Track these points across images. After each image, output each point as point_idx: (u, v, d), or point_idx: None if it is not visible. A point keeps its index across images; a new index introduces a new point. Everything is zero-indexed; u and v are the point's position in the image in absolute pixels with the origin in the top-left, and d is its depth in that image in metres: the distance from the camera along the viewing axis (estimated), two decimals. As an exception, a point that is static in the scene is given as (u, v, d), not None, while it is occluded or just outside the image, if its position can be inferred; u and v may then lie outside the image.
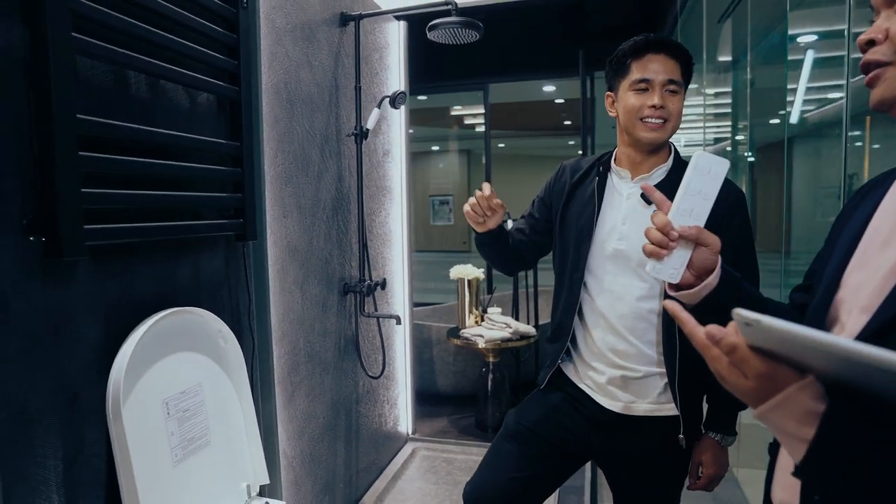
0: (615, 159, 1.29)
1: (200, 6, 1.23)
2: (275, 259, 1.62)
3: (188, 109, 1.27)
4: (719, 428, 1.21)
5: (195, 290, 1.30)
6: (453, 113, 8.07)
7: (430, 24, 1.88)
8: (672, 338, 1.17)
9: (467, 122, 8.46)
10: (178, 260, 1.25)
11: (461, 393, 3.11)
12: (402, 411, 2.64)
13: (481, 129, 5.72)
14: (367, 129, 2.04)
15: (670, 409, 1.21)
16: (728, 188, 1.18)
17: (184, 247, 1.27)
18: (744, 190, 2.80)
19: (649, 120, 1.17)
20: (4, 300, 0.90)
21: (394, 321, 2.35)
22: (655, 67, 1.16)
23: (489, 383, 2.72)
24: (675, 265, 0.77)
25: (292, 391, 1.71)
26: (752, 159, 2.97)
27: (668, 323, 1.17)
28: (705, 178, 0.76)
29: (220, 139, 1.34)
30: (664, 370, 1.21)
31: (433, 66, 5.29)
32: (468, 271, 2.77)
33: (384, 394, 2.43)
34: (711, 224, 1.14)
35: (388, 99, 2.04)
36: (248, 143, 1.36)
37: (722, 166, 0.76)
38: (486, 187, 1.22)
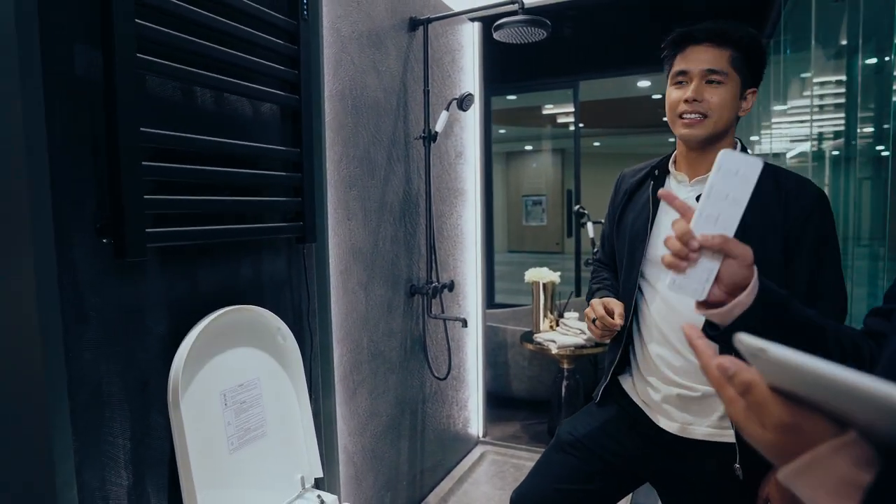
0: (674, 162, 1.21)
1: (262, 21, 1.30)
2: (338, 260, 1.68)
3: (252, 118, 1.35)
4: None
5: (258, 289, 1.38)
6: (545, 112, 7.92)
7: (495, 24, 1.86)
8: (727, 354, 1.07)
9: (560, 120, 8.28)
10: (242, 261, 1.34)
11: (536, 398, 3.05)
12: (472, 413, 2.63)
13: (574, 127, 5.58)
14: (436, 132, 2.06)
15: (732, 436, 1.11)
16: (802, 189, 1.06)
17: (247, 248, 1.35)
18: (871, 190, 2.48)
19: (686, 115, 1.08)
20: (81, 296, 1.01)
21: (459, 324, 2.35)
22: (695, 58, 1.07)
23: (563, 390, 2.64)
24: (700, 279, 0.68)
25: (354, 388, 1.77)
26: (886, 153, 2.64)
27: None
28: (732, 179, 0.66)
29: (282, 146, 1.41)
30: None
31: (521, 65, 5.24)
32: (543, 274, 2.71)
33: (453, 395, 2.44)
34: (780, 233, 1.03)
35: (455, 101, 2.04)
36: (307, 149, 1.43)
37: (753, 167, 0.66)
38: (618, 314, 1.15)
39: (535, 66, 5.36)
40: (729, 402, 0.44)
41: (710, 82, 1.07)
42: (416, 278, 2.12)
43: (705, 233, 0.67)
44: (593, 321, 1.18)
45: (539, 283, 2.71)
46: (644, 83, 5.97)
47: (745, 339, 0.40)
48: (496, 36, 1.89)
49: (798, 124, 3.45)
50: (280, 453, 1.35)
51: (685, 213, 0.71)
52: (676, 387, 1.14)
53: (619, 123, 8.39)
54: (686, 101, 1.08)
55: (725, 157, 0.67)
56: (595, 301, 1.21)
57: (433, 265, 2.14)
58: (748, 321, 0.69)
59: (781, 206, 1.04)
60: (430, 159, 2.09)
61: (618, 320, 1.15)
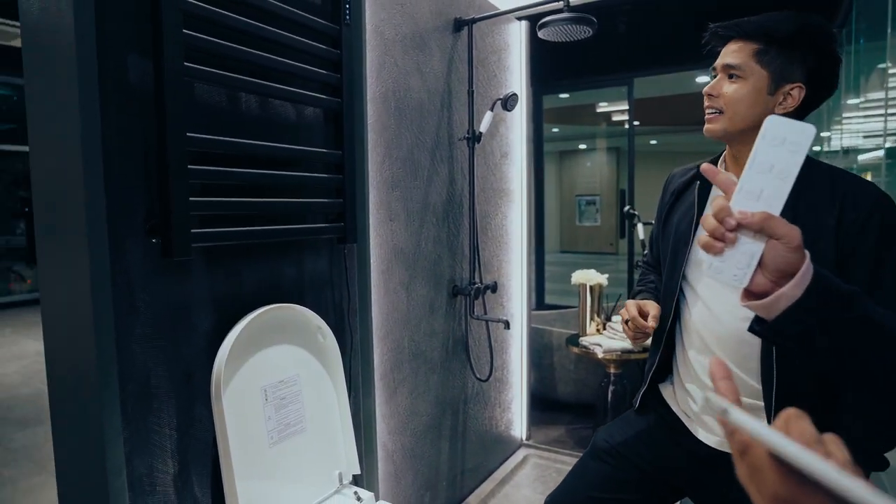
0: (724, 162, 1.16)
1: (305, 27, 1.33)
2: (380, 260, 1.70)
3: (295, 121, 1.38)
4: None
5: (299, 288, 1.42)
6: (599, 110, 7.76)
7: (539, 22, 1.83)
8: (769, 367, 1.01)
9: (615, 118, 8.08)
10: (284, 260, 1.38)
11: (582, 402, 2.99)
12: (515, 416, 2.61)
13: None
14: (480, 133, 2.05)
15: None
16: (861, 189, 0.99)
17: (289, 248, 1.39)
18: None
19: (707, 111, 1.07)
20: (132, 292, 1.07)
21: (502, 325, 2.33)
22: (723, 53, 1.05)
23: (609, 395, 2.58)
24: (741, 264, 0.60)
25: (395, 387, 1.79)
26: None
27: (767, 349, 1.02)
28: (778, 150, 0.57)
29: (325, 148, 1.44)
30: None
31: (572, 63, 5.15)
32: (590, 276, 2.65)
33: (496, 396, 2.43)
34: (833, 238, 0.96)
35: (499, 101, 2.03)
36: (349, 151, 1.45)
37: (802, 134, 0.57)
38: (652, 316, 1.12)
39: (588, 64, 5.24)
40: (734, 458, 0.40)
41: (730, 77, 1.04)
42: (459, 279, 2.12)
43: (745, 210, 0.59)
44: (626, 322, 1.17)
45: (586, 285, 2.65)
46: (703, 79, 5.75)
47: (710, 397, 0.37)
48: (541, 34, 1.87)
49: (873, 119, 3.23)
50: (318, 449, 1.38)
51: (728, 189, 0.63)
52: None
53: (676, 121, 8.10)
54: (706, 95, 1.06)
55: (770, 124, 0.59)
56: (630, 302, 1.19)
57: (476, 266, 2.13)
58: (799, 316, 0.61)
59: (836, 207, 0.97)
60: (475, 160, 2.09)
61: (651, 322, 1.13)
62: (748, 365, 1.05)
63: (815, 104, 1.04)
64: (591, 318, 2.68)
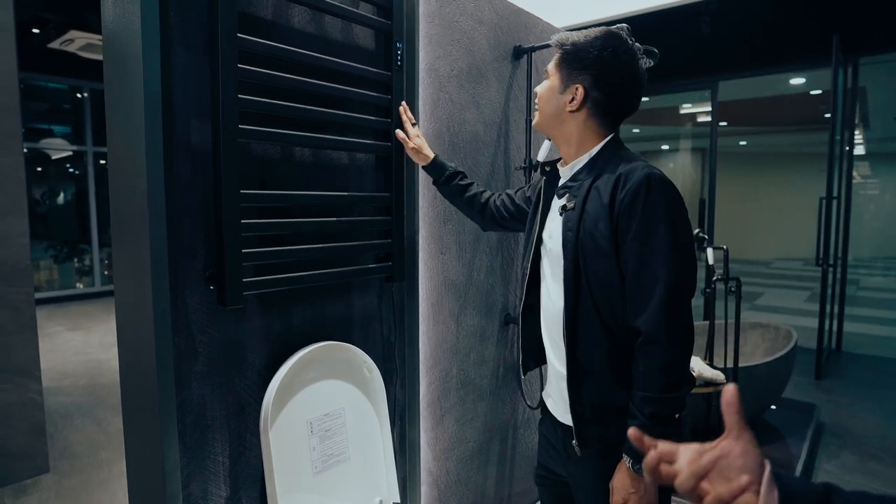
0: None
1: (357, 77, 1.39)
2: (429, 293, 1.75)
3: (346, 167, 1.45)
4: (628, 449, 1.06)
5: (348, 325, 1.49)
6: (683, 111, 7.40)
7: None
8: (570, 331, 1.13)
9: (700, 119, 7.67)
10: (334, 299, 1.45)
11: (643, 429, 2.91)
12: (570, 440, 2.58)
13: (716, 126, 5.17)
14: (538, 162, 2.04)
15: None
16: (632, 173, 1.07)
17: (338, 288, 1.46)
18: None
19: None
20: (192, 334, 1.17)
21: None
22: None
23: (669, 426, 2.49)
24: None
25: (441, 415, 1.83)
26: None
27: (568, 325, 1.13)
28: None
29: (375, 191, 1.50)
30: None
31: (652, 66, 4.95)
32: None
33: (549, 421, 2.42)
34: (608, 219, 1.07)
35: (557, 130, 2.01)
36: (398, 193, 1.50)
37: None
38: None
39: (669, 67, 5.02)
40: None
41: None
42: (513, 307, 2.12)
43: None
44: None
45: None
46: (798, 80, 5.34)
47: None
48: (599, 65, 1.83)
49: None
50: (361, 477, 1.45)
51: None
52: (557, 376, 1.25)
53: (769, 121, 7.58)
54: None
55: None
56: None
57: (530, 293, 2.12)
58: None
59: (612, 190, 1.08)
60: (531, 188, 2.08)
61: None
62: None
63: (617, 108, 1.16)
64: (653, 346, 2.59)
